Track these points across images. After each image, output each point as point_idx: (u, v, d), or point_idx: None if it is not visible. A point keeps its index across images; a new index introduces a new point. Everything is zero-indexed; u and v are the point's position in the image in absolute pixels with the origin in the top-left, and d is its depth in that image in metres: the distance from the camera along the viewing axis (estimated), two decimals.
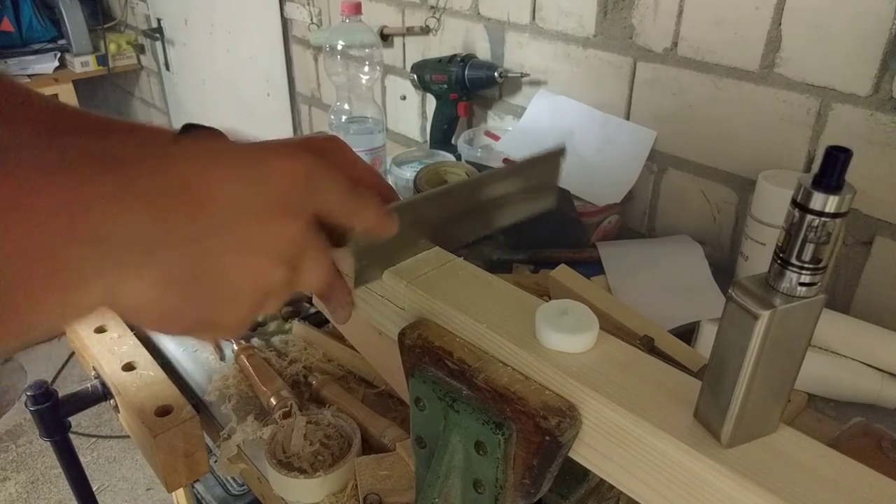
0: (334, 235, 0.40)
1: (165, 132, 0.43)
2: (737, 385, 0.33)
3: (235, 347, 0.81)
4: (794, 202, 0.30)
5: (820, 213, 0.29)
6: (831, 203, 0.29)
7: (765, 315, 0.31)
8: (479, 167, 1.08)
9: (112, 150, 0.30)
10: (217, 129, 0.40)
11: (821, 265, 0.31)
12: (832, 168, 0.29)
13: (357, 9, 1.06)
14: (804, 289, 0.31)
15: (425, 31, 1.41)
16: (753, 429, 0.35)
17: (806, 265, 0.31)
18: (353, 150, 0.43)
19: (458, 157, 1.23)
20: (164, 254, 0.31)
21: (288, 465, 0.64)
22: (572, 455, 0.41)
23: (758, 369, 0.33)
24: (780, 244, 0.31)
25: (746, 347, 0.32)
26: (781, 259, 0.31)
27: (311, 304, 0.88)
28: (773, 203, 0.86)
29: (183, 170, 0.31)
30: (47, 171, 0.27)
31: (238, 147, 0.35)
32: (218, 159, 0.33)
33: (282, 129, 2.05)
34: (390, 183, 1.17)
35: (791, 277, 0.31)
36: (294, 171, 0.34)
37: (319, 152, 0.38)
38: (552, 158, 0.57)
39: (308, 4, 1.74)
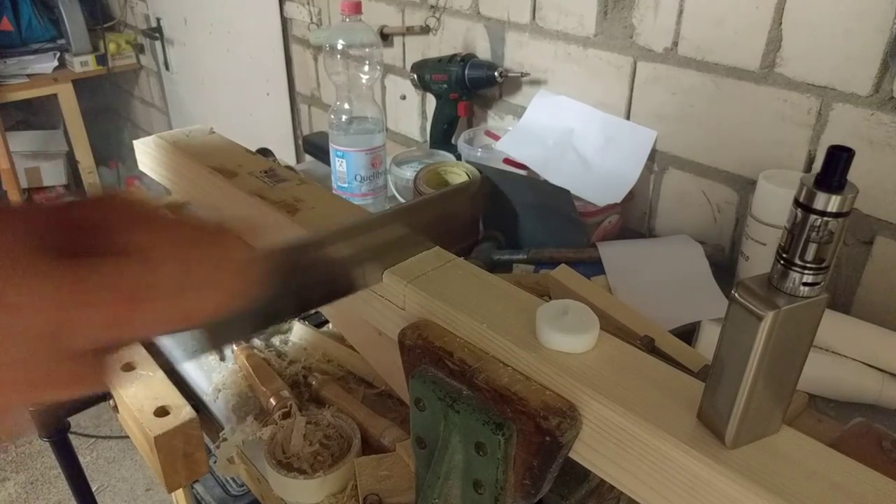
0: None
1: None
2: (741, 386, 0.33)
3: (235, 347, 0.81)
4: (796, 202, 0.30)
5: (822, 213, 0.29)
6: (834, 203, 0.29)
7: (769, 315, 0.31)
8: (480, 167, 1.07)
9: None
10: None
11: (824, 265, 0.31)
12: (834, 168, 0.29)
13: (357, 8, 1.06)
14: (807, 289, 0.31)
15: (425, 30, 1.41)
16: (757, 429, 0.35)
17: (809, 265, 0.31)
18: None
19: (458, 157, 1.23)
20: None
21: (288, 465, 0.64)
22: (572, 455, 0.41)
23: (762, 369, 0.33)
24: (782, 244, 0.31)
25: (750, 348, 0.32)
26: (784, 259, 0.31)
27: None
28: (773, 203, 0.86)
29: None
30: None
31: None
32: None
33: (282, 129, 2.05)
34: (390, 183, 1.17)
35: (794, 277, 0.31)
36: (43, 307, 0.24)
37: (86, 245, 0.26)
38: (460, 193, 0.54)
39: (308, 4, 1.73)
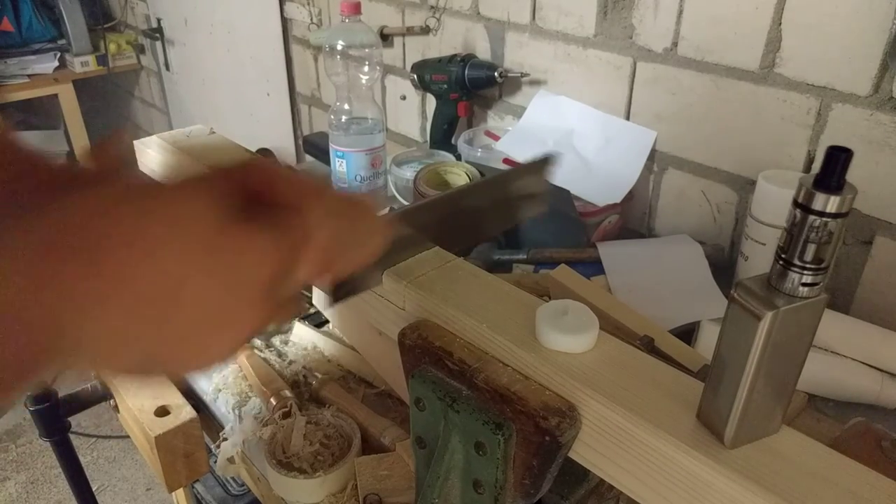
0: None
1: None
2: (740, 386, 0.33)
3: None
4: (795, 202, 0.30)
5: (821, 214, 0.29)
6: (833, 203, 0.29)
7: (768, 316, 0.31)
8: (479, 167, 1.07)
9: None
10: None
11: (823, 265, 0.31)
12: (833, 168, 0.29)
13: (357, 9, 1.06)
14: (806, 289, 0.31)
15: (425, 30, 1.41)
16: (756, 429, 0.35)
17: (808, 265, 0.31)
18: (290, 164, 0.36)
19: (458, 157, 1.23)
20: (125, 355, 0.28)
21: (288, 465, 0.64)
22: (572, 455, 0.41)
23: (761, 370, 0.33)
24: (781, 245, 0.31)
25: (749, 348, 0.32)
26: (784, 260, 0.31)
27: (311, 305, 0.88)
28: (773, 203, 0.86)
29: (152, 270, 0.26)
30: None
31: (204, 228, 0.28)
32: (187, 251, 0.27)
33: (282, 129, 2.05)
34: (390, 183, 1.17)
35: (793, 278, 0.31)
36: (266, 260, 0.29)
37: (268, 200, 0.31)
38: (539, 167, 0.57)
39: (308, 4, 1.73)
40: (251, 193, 0.31)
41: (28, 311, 0.24)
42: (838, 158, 0.29)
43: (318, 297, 0.44)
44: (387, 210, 1.13)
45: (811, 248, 0.30)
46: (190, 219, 0.28)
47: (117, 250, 0.26)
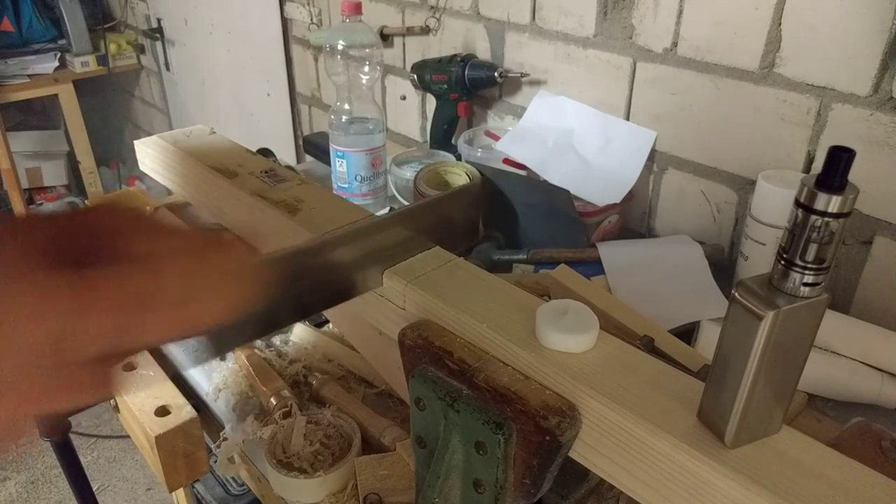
0: None
1: None
2: (741, 385, 0.33)
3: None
4: (797, 202, 0.30)
5: (823, 213, 0.29)
6: (835, 203, 0.29)
7: (769, 315, 0.31)
8: (480, 167, 1.07)
9: None
10: None
11: (824, 265, 0.31)
12: (835, 168, 0.29)
13: (357, 9, 1.06)
14: (808, 289, 0.31)
15: (425, 31, 1.41)
16: (757, 429, 0.35)
17: (809, 265, 0.31)
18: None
19: (458, 157, 1.23)
20: None
21: (288, 465, 0.64)
22: (572, 455, 0.41)
23: (762, 369, 0.33)
24: (783, 245, 0.31)
25: (750, 348, 0.32)
26: (785, 259, 0.31)
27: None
28: (773, 203, 0.86)
29: None
30: None
31: None
32: None
33: (282, 129, 2.05)
34: (390, 183, 1.17)
35: (795, 278, 0.31)
36: (53, 317, 0.24)
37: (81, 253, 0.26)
38: (460, 195, 0.54)
39: (308, 4, 1.73)
40: (90, 240, 0.27)
41: None
42: (841, 158, 0.29)
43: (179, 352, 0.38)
44: (386, 210, 1.14)
45: (813, 248, 0.30)
46: None
47: None
